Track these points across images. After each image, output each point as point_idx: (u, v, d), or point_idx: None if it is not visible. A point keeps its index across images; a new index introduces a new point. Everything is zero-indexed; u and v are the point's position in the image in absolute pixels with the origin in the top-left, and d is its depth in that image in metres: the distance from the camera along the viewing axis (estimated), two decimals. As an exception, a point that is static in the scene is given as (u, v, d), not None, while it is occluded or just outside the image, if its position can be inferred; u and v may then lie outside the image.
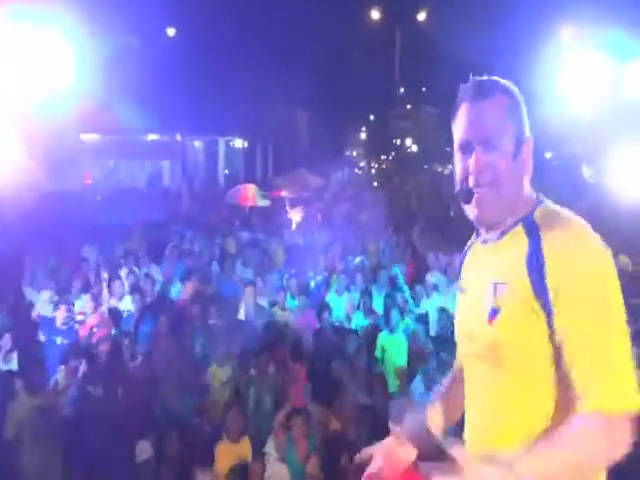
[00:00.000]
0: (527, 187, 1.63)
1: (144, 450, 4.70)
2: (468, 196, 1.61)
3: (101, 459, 4.33)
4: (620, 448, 1.35)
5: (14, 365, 6.04)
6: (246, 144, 30.96)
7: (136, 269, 8.72)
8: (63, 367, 5.53)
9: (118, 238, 11.15)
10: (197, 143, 29.26)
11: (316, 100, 26.89)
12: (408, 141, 44.31)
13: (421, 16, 28.55)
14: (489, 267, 1.62)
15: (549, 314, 1.44)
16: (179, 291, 8.24)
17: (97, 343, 6.11)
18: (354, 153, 41.84)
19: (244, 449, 4.90)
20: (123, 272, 8.49)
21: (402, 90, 36.74)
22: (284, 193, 17.43)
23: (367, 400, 5.40)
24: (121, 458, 4.59)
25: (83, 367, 5.50)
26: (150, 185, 24.77)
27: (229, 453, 4.83)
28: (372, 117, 42.38)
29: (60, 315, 6.60)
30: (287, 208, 14.89)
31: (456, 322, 1.75)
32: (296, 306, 7.74)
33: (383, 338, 6.81)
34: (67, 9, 6.31)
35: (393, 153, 45.27)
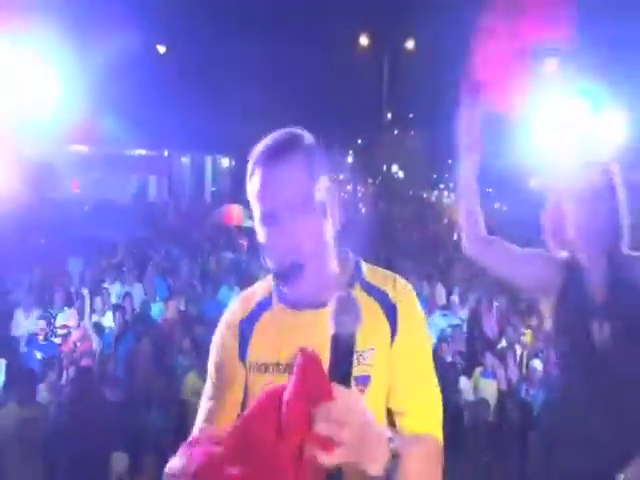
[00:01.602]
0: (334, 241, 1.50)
1: (120, 461, 4.74)
2: (297, 272, 1.41)
3: (78, 473, 4.39)
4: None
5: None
6: (233, 163, 31.09)
7: (118, 286, 8.77)
8: (46, 382, 5.58)
9: (102, 252, 11.21)
10: (184, 159, 29.35)
11: (304, 122, 27.06)
12: (394, 167, 44.72)
13: (409, 44, 29.00)
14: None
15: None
16: (160, 310, 8.28)
17: (80, 358, 6.17)
18: (341, 176, 42.17)
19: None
20: (106, 288, 8.53)
21: (389, 116, 37.10)
22: (269, 214, 17.51)
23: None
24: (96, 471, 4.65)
25: (62, 381, 5.59)
26: (136, 200, 24.81)
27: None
28: (359, 141, 42.74)
29: (41, 330, 6.65)
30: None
31: None
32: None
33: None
34: (50, 30, 6.46)
35: (379, 178, 45.63)
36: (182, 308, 8.23)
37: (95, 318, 7.67)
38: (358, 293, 1.46)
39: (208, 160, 29.92)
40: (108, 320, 7.64)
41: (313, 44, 24.98)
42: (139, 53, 20.22)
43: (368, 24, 28.57)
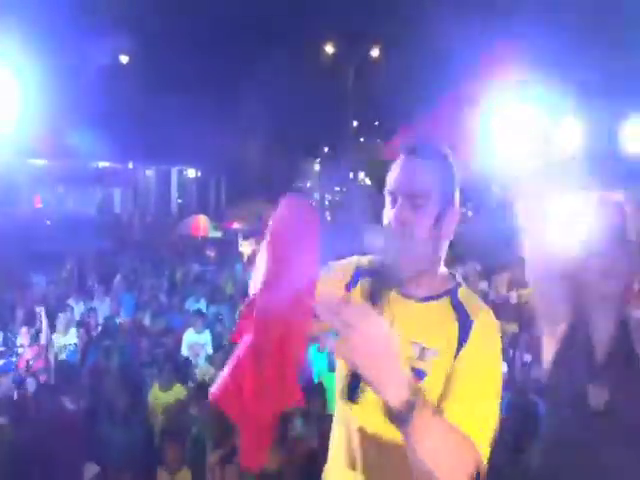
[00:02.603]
0: (444, 256, 1.70)
1: (91, 469, 4.62)
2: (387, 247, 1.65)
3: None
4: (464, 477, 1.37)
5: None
6: (199, 174, 30.89)
7: (81, 303, 8.58)
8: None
9: (66, 267, 11.00)
10: (149, 172, 29.08)
11: (270, 131, 27.08)
12: (361, 174, 44.88)
13: (374, 52, 29.17)
14: (412, 326, 1.62)
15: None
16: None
17: (34, 375, 6.04)
18: (308, 184, 42.22)
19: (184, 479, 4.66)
20: (70, 303, 8.35)
21: (355, 124, 37.22)
22: (236, 224, 17.43)
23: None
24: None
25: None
26: (100, 212, 24.51)
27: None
28: (326, 149, 42.86)
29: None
30: (239, 240, 14.87)
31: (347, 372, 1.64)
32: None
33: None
34: (10, 41, 6.33)
35: (346, 186, 45.80)
36: (147, 321, 8.09)
37: (58, 335, 7.48)
38: (444, 303, 1.65)
39: (174, 171, 29.70)
40: (72, 337, 7.46)
41: (279, 53, 24.98)
42: (102, 64, 20.02)
43: (334, 32, 28.74)
